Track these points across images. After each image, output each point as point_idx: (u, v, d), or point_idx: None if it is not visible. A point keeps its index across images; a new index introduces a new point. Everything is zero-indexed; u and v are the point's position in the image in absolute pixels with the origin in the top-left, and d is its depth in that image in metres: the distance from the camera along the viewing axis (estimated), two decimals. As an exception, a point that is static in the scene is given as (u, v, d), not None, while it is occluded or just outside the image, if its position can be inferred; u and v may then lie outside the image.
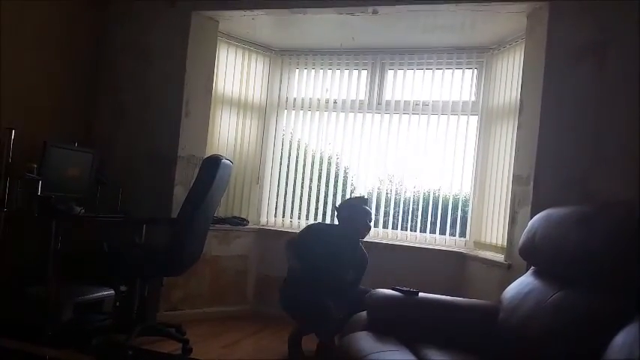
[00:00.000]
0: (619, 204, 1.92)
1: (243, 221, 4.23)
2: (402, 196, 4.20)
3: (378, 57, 4.26)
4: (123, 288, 3.45)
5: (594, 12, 2.95)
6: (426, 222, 4.08)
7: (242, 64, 4.36)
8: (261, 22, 3.89)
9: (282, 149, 4.51)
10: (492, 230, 3.67)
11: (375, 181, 4.29)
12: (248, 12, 3.69)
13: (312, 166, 4.42)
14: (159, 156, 3.77)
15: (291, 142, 4.51)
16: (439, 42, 4.00)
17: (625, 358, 1.34)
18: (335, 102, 4.38)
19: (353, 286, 3.25)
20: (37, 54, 3.47)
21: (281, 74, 4.53)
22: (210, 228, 3.34)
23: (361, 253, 3.41)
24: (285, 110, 4.51)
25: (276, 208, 4.46)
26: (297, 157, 4.47)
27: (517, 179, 3.21)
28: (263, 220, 4.45)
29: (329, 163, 4.41)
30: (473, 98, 4.04)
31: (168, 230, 3.22)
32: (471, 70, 4.06)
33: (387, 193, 4.25)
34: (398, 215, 4.18)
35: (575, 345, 1.62)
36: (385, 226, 4.18)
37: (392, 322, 2.21)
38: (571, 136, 2.95)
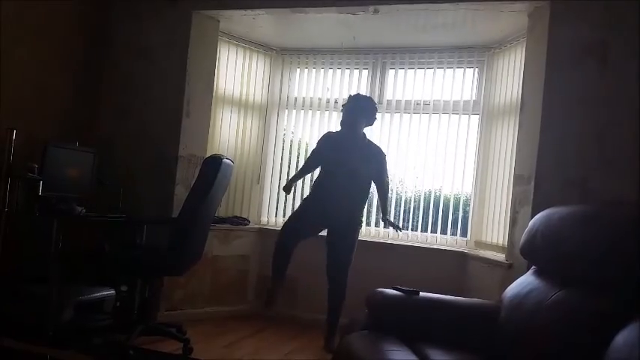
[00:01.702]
0: (620, 204, 1.92)
1: (244, 221, 4.24)
2: (403, 195, 4.20)
3: (378, 56, 4.26)
4: (124, 288, 3.45)
5: (595, 11, 2.94)
6: (426, 221, 4.08)
7: (243, 63, 4.36)
8: (261, 22, 3.89)
9: (282, 149, 4.51)
10: (493, 230, 3.67)
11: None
12: (249, 11, 3.69)
13: (313, 165, 4.42)
14: (160, 156, 3.77)
15: (292, 141, 4.51)
16: (440, 41, 3.99)
17: (626, 358, 1.34)
18: (336, 101, 4.37)
19: (378, 180, 3.53)
20: (37, 54, 3.46)
21: (282, 74, 4.53)
22: (211, 228, 3.34)
23: (373, 147, 3.57)
24: (286, 110, 4.51)
25: (277, 208, 4.46)
26: (297, 157, 4.47)
27: (518, 179, 3.21)
28: (264, 219, 4.45)
29: (330, 163, 4.40)
30: (474, 97, 4.04)
31: (169, 230, 3.22)
32: (472, 69, 4.05)
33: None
34: (399, 215, 4.17)
35: (576, 345, 1.62)
36: (386, 226, 4.16)
37: (392, 322, 2.21)
38: (572, 136, 2.94)
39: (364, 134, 3.58)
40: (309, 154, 3.82)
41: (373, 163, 3.52)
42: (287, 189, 3.68)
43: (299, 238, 3.47)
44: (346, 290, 3.44)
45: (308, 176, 4.00)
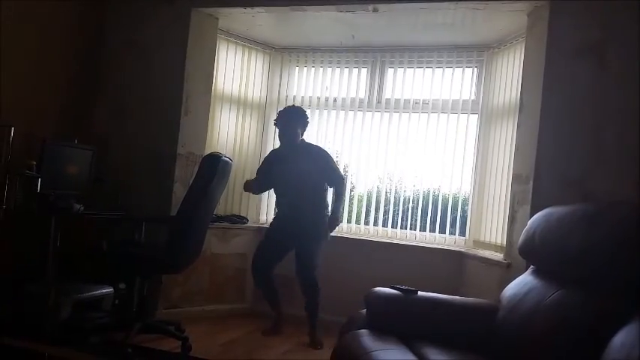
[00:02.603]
0: (619, 203, 1.91)
1: (242, 219, 4.23)
2: (402, 194, 4.20)
3: (378, 55, 4.26)
4: (122, 286, 3.45)
5: (595, 10, 2.94)
6: (425, 221, 4.08)
7: (242, 61, 4.36)
8: (260, 20, 3.88)
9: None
10: (492, 229, 3.67)
11: (374, 179, 4.29)
12: (248, 9, 3.68)
13: (312, 164, 4.41)
14: (158, 154, 3.76)
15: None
16: (439, 40, 3.99)
17: (624, 358, 1.34)
18: (335, 100, 4.37)
19: (328, 178, 3.61)
20: (36, 51, 3.46)
21: (281, 72, 4.52)
22: (210, 226, 3.34)
23: (309, 148, 3.69)
24: (285, 108, 4.50)
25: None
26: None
27: (517, 178, 3.21)
28: (262, 218, 4.45)
29: (329, 162, 4.40)
30: (473, 97, 4.04)
31: (167, 228, 3.22)
32: (471, 68, 4.05)
33: (386, 192, 4.24)
34: (397, 214, 4.17)
35: (575, 344, 1.62)
36: (385, 225, 4.18)
37: (391, 321, 2.21)
38: (571, 135, 2.95)
39: (303, 140, 3.71)
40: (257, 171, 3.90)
41: (319, 163, 3.62)
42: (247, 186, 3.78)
43: (271, 265, 3.64)
44: (318, 291, 3.52)
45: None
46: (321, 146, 3.83)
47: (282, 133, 3.64)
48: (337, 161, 4.04)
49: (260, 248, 3.68)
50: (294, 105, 3.93)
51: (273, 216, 3.95)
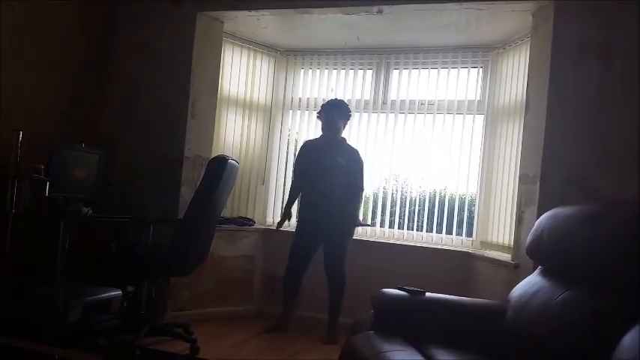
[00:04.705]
0: (626, 203, 1.90)
1: (248, 221, 4.25)
2: (408, 195, 4.20)
3: (383, 56, 4.26)
4: (130, 288, 3.46)
5: (600, 11, 2.93)
6: (432, 222, 4.08)
7: (247, 64, 4.37)
8: (266, 22, 3.90)
9: (287, 149, 4.51)
10: (499, 230, 3.67)
11: (380, 180, 4.29)
12: (253, 12, 3.69)
13: (318, 166, 4.42)
14: (165, 157, 3.78)
15: (296, 142, 4.51)
16: (444, 41, 3.99)
17: (634, 358, 1.34)
18: (340, 102, 4.37)
19: (352, 176, 3.66)
20: (43, 55, 3.48)
21: (286, 74, 4.53)
22: (217, 228, 3.35)
23: (347, 148, 3.75)
24: (291, 110, 4.52)
25: (281, 209, 4.45)
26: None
27: (523, 178, 3.20)
28: (269, 220, 4.46)
29: (334, 163, 4.40)
30: (478, 97, 4.04)
31: (175, 231, 3.23)
32: (476, 69, 4.05)
33: (392, 193, 4.24)
34: (404, 215, 4.17)
35: (583, 345, 1.62)
36: (391, 226, 4.18)
37: (398, 322, 2.21)
38: (577, 135, 2.94)
39: (343, 138, 3.79)
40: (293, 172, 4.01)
41: (352, 163, 3.70)
42: (282, 221, 3.88)
43: (308, 264, 3.67)
44: (345, 285, 3.58)
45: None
46: (359, 151, 3.86)
47: (327, 124, 3.70)
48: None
49: (293, 252, 3.70)
50: (337, 98, 3.94)
51: (297, 219, 3.93)
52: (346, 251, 3.62)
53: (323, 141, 3.78)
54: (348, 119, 3.80)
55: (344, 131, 3.80)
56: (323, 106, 3.79)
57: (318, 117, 3.81)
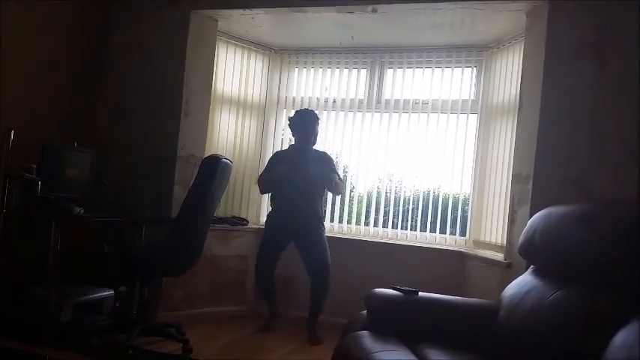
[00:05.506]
0: (619, 202, 1.91)
1: (242, 221, 4.23)
2: (402, 195, 4.20)
3: (377, 55, 4.26)
4: (122, 288, 3.44)
5: (594, 10, 2.94)
6: (425, 221, 4.08)
7: (241, 63, 4.36)
8: (260, 21, 3.88)
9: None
10: (492, 229, 3.67)
11: (374, 180, 4.29)
12: (247, 11, 3.68)
13: (312, 165, 4.41)
14: (158, 156, 3.76)
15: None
16: (438, 40, 3.99)
17: (625, 358, 1.34)
18: (334, 101, 4.37)
19: (325, 180, 3.63)
20: (36, 53, 3.45)
21: (280, 73, 4.52)
22: (210, 228, 3.34)
23: (318, 153, 3.77)
24: (285, 109, 4.50)
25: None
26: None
27: (516, 178, 3.21)
28: (262, 220, 4.43)
29: (328, 162, 4.40)
30: (472, 97, 4.04)
31: (168, 230, 3.22)
32: (470, 68, 4.05)
33: (386, 192, 4.24)
34: (397, 214, 4.17)
35: (575, 344, 1.62)
36: (385, 225, 4.18)
37: (391, 322, 2.20)
38: (570, 135, 2.95)
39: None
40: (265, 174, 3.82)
41: (322, 165, 3.69)
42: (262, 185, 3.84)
43: (276, 262, 3.69)
44: (329, 278, 3.58)
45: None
46: (325, 150, 3.92)
47: (306, 133, 3.69)
48: (337, 163, 4.07)
49: (263, 246, 3.71)
50: (308, 108, 3.93)
51: (265, 221, 3.89)
52: (326, 248, 3.60)
53: (296, 151, 3.76)
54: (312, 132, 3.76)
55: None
56: (298, 115, 3.75)
57: (289, 126, 3.77)
